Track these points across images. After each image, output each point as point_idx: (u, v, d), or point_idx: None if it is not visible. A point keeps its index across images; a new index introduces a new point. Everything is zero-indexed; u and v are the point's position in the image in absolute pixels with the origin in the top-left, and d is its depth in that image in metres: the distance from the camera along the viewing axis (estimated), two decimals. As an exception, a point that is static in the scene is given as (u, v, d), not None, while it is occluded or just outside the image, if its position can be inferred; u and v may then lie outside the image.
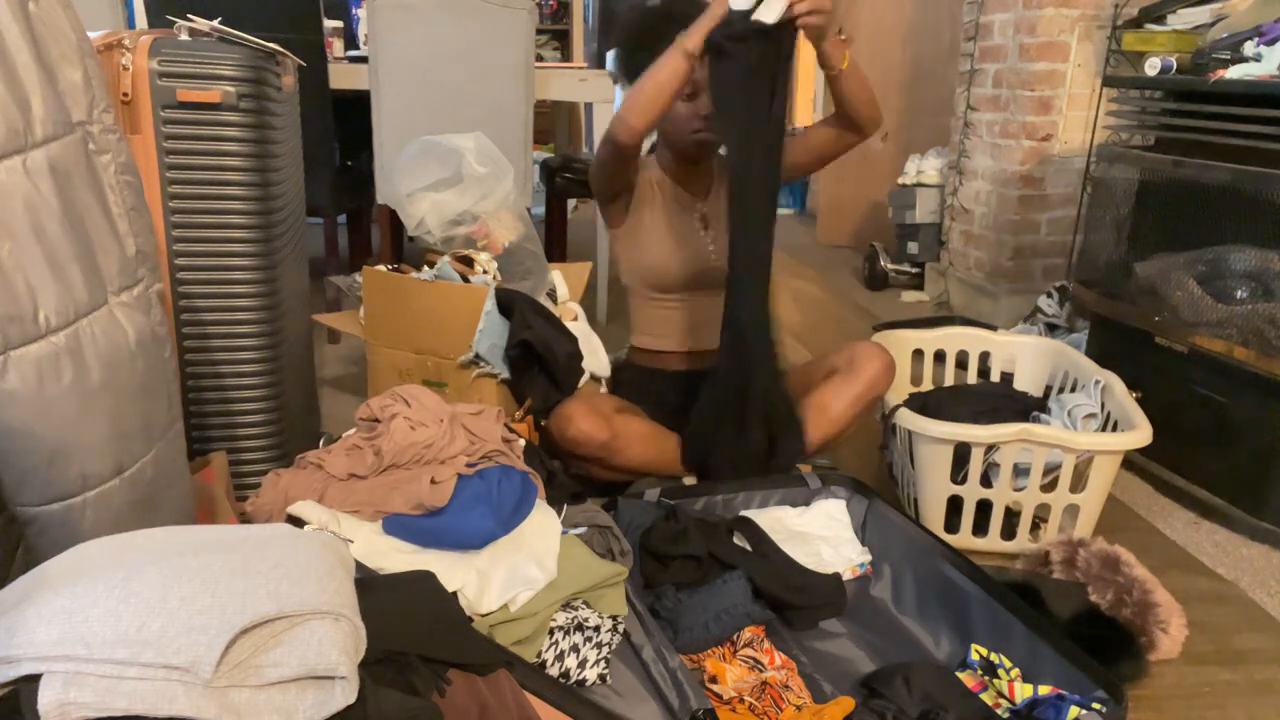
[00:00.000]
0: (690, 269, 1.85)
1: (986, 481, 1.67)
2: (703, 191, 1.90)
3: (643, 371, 1.96)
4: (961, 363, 2.18)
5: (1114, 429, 1.75)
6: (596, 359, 2.00)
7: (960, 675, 1.31)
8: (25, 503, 1.01)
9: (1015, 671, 1.29)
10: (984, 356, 2.15)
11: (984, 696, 1.27)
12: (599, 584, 1.33)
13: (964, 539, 1.71)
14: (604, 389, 2.01)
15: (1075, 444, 1.62)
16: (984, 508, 1.70)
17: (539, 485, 1.45)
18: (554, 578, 1.28)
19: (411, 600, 1.00)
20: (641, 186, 1.85)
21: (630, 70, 1.73)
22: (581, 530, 1.45)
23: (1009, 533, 1.71)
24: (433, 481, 1.33)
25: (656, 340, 1.92)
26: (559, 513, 1.45)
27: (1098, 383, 1.85)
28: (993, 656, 1.31)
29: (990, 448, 1.66)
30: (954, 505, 1.71)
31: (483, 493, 1.34)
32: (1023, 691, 1.24)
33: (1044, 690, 1.23)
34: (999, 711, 1.23)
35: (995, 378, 2.13)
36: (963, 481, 1.67)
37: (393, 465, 1.37)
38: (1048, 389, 2.08)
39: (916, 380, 2.14)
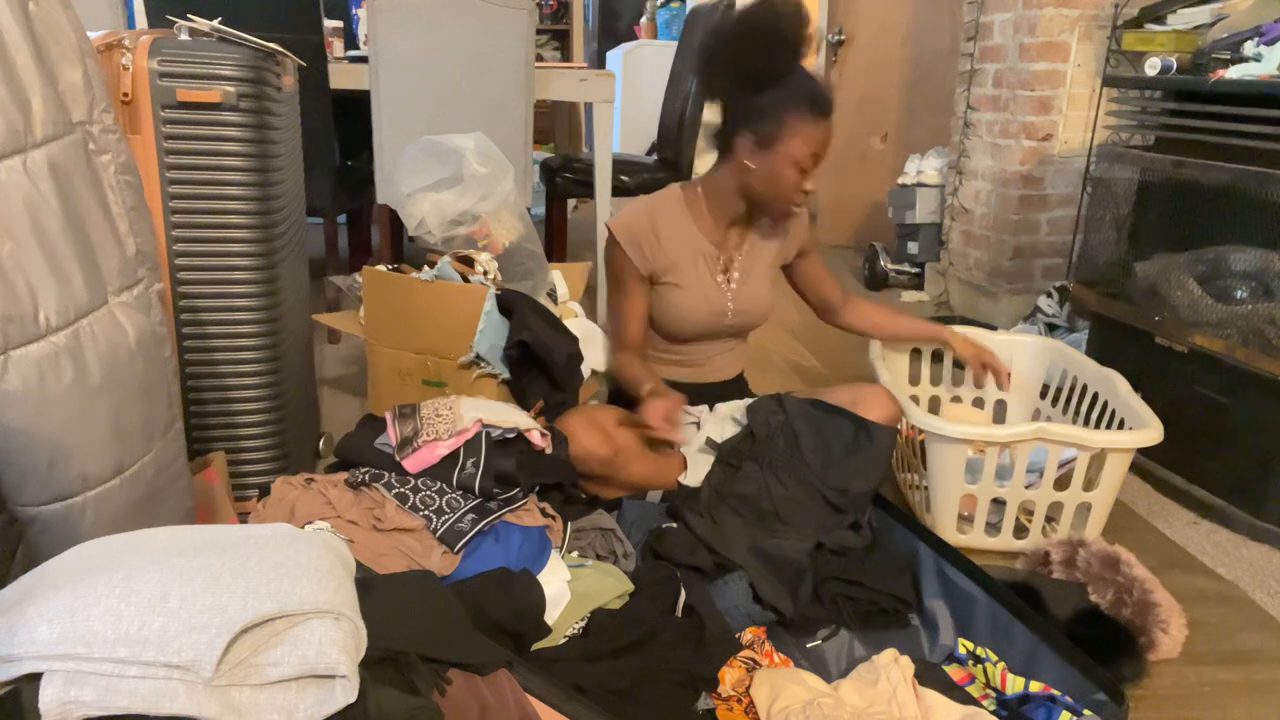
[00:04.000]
0: (704, 326, 1.80)
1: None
2: (737, 244, 1.81)
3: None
4: (959, 362, 2.18)
5: (1120, 427, 1.75)
6: (599, 354, 1.99)
7: (948, 669, 1.32)
8: (26, 502, 1.01)
9: (1001, 665, 1.29)
10: (983, 356, 2.14)
11: (972, 689, 1.27)
12: (604, 604, 1.33)
13: (977, 538, 1.72)
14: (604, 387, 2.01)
15: (1091, 442, 1.62)
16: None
17: (553, 539, 1.42)
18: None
19: (412, 600, 1.00)
20: (658, 253, 1.77)
21: (715, 75, 1.66)
22: (584, 542, 1.46)
23: (1011, 531, 1.71)
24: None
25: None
26: (565, 529, 1.45)
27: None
28: (979, 650, 1.32)
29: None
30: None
31: (498, 557, 1.30)
32: (1014, 684, 1.24)
33: (1035, 686, 1.23)
34: (985, 704, 1.24)
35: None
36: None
37: (396, 529, 1.32)
38: (1045, 388, 2.08)
39: (915, 380, 2.14)
